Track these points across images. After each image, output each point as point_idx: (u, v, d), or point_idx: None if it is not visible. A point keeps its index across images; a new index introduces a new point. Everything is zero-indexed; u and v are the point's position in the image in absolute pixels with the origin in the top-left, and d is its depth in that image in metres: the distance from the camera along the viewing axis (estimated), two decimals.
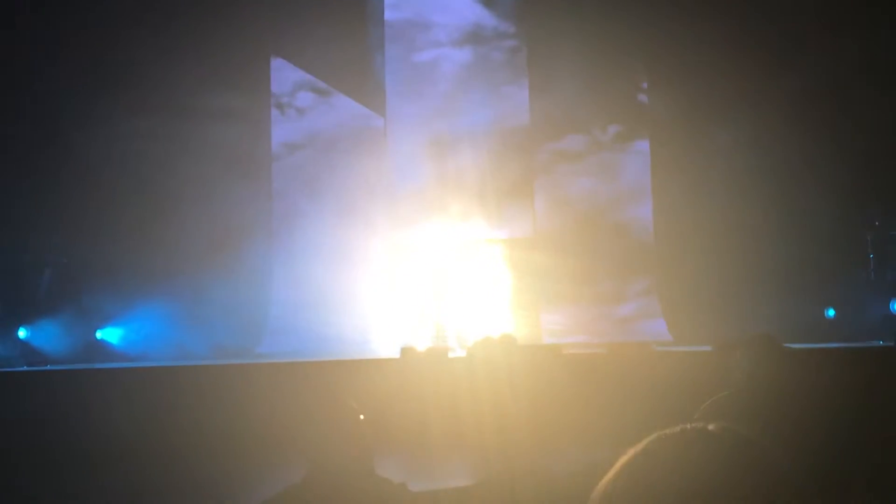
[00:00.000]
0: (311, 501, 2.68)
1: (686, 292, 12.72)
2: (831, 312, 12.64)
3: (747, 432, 1.05)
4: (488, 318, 12.27)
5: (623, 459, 1.06)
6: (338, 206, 13.14)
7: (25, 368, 10.07)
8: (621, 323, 13.31)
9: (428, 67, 13.86)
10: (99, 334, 12.39)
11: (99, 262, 11.99)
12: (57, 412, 8.30)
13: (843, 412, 3.31)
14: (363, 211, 13.25)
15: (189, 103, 11.92)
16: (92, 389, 8.73)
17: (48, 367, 10.39)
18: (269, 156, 13.71)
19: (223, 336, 12.01)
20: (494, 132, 13.59)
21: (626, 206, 13.89)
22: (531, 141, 13.89)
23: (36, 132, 11.87)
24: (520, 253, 12.95)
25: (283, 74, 13.84)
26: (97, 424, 8.00)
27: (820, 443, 2.84)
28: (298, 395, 7.61)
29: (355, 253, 12.91)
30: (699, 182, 12.86)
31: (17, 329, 11.64)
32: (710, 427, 1.06)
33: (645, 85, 14.01)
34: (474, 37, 13.88)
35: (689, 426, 1.07)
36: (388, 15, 13.89)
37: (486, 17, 13.92)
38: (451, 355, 9.46)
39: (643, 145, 13.97)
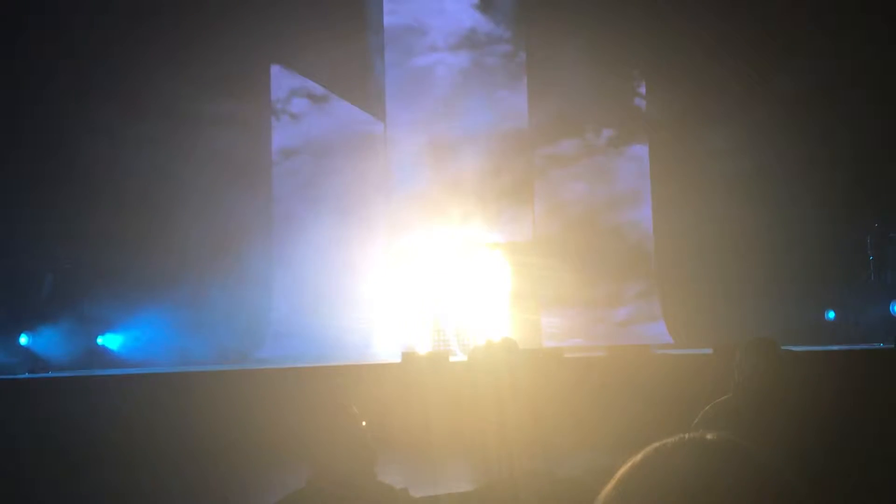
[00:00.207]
0: None
1: (686, 295, 12.74)
2: (831, 315, 12.64)
3: (746, 441, 1.05)
4: (489, 321, 12.27)
5: (621, 470, 1.05)
6: (337, 210, 13.15)
7: (27, 375, 10.06)
8: (621, 326, 13.33)
9: (427, 72, 13.89)
10: (100, 340, 12.39)
11: (100, 268, 11.99)
12: (59, 419, 8.31)
13: (844, 414, 3.32)
14: (363, 215, 13.26)
15: (190, 110, 11.94)
16: (94, 396, 8.73)
17: (50, 374, 10.38)
18: (269, 161, 13.73)
19: (224, 341, 12.03)
20: (493, 136, 13.61)
21: (626, 209, 13.92)
22: (530, 145, 13.91)
23: (37, 139, 11.89)
24: (519, 256, 12.96)
25: (283, 81, 13.87)
26: (100, 431, 8.01)
27: (820, 445, 2.85)
28: (301, 401, 7.63)
29: (355, 257, 12.92)
30: (698, 185, 12.88)
31: (19, 336, 11.64)
32: (709, 437, 1.05)
33: (643, 89, 14.05)
34: (473, 42, 13.91)
35: (686, 436, 1.06)
36: (388, 21, 13.92)
37: (485, 23, 13.95)
38: (451, 359, 9.46)
39: (641, 149, 14.00)
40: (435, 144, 13.44)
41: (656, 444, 1.06)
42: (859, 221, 12.72)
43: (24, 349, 11.62)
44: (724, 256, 12.49)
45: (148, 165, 11.95)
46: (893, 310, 12.00)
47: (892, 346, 9.98)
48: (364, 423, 2.78)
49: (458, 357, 10.45)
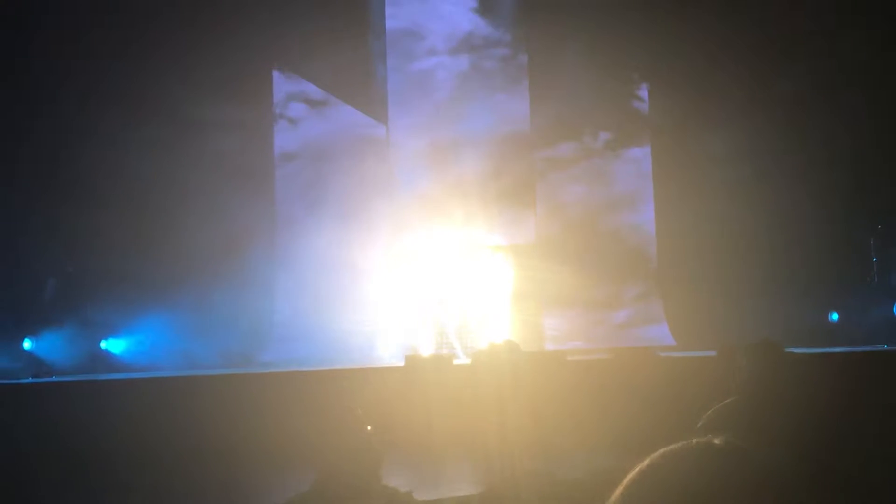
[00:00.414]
0: None
1: (688, 297, 12.73)
2: (835, 316, 12.63)
3: (751, 443, 1.05)
4: (491, 324, 12.28)
5: (629, 475, 1.05)
6: (340, 213, 13.15)
7: (31, 380, 10.08)
8: (624, 328, 13.33)
9: (429, 76, 13.91)
10: (104, 345, 12.40)
11: (103, 272, 12.00)
12: (62, 423, 8.31)
13: (848, 416, 3.32)
14: (365, 218, 13.27)
15: (194, 114, 11.95)
16: (97, 400, 8.74)
17: (53, 379, 10.40)
18: (272, 165, 13.75)
19: (228, 345, 12.03)
20: (495, 139, 13.62)
21: (627, 211, 13.93)
22: (531, 147, 13.92)
23: (41, 143, 11.91)
24: (521, 259, 12.96)
25: (286, 85, 13.89)
26: (103, 435, 8.01)
27: (824, 447, 2.85)
28: (305, 404, 7.64)
29: (358, 260, 12.92)
30: (701, 187, 12.87)
31: (23, 340, 11.65)
32: (716, 441, 1.05)
33: (644, 92, 14.06)
34: (474, 45, 13.93)
35: (694, 441, 1.06)
36: (389, 25, 13.95)
37: (486, 26, 13.97)
38: (455, 362, 9.46)
39: (643, 151, 14.01)
40: (437, 147, 13.46)
41: (663, 450, 1.06)
42: (863, 223, 12.71)
43: (28, 354, 11.64)
44: (727, 258, 12.49)
45: (151, 170, 11.96)
46: None
47: None
48: (369, 427, 2.79)
49: (462, 360, 10.46)
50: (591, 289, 13.16)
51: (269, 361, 12.32)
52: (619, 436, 6.14)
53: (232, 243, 12.44)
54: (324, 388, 8.60)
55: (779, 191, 12.34)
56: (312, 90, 13.86)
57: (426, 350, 11.75)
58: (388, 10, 13.96)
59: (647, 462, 1.05)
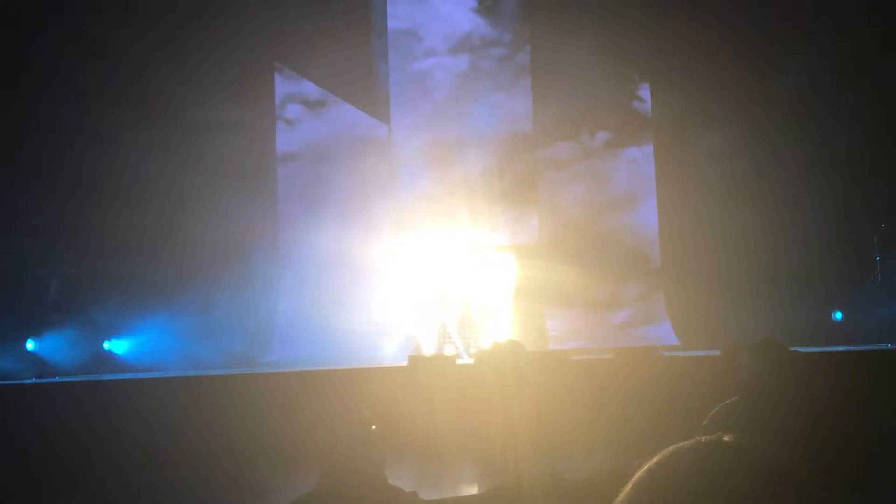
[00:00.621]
0: None
1: (691, 297, 12.72)
2: (838, 315, 12.62)
3: (764, 442, 1.04)
4: (494, 324, 12.28)
5: (638, 474, 1.04)
6: (342, 213, 13.16)
7: (34, 381, 10.08)
8: (627, 327, 13.33)
9: (431, 75, 13.92)
10: (107, 345, 12.42)
11: (106, 272, 12.02)
12: (66, 424, 8.32)
13: (851, 416, 3.32)
14: (368, 218, 13.27)
15: (196, 115, 11.97)
16: (101, 400, 8.74)
17: (57, 379, 10.40)
18: (273, 165, 13.76)
19: (230, 345, 12.03)
20: (497, 139, 13.63)
21: (630, 211, 13.93)
22: (534, 147, 13.93)
23: (43, 145, 11.92)
24: (524, 258, 12.96)
25: (287, 85, 13.90)
26: (107, 435, 8.02)
27: (828, 446, 2.85)
28: (309, 404, 7.64)
29: (361, 260, 12.92)
30: (704, 186, 12.88)
31: (26, 341, 11.67)
32: (727, 439, 1.05)
33: (647, 92, 14.06)
34: (475, 45, 13.94)
35: (704, 438, 1.05)
36: (391, 25, 13.95)
37: (487, 26, 13.97)
38: (459, 362, 9.46)
39: (645, 150, 14.01)
40: (438, 147, 13.46)
41: (673, 447, 1.05)
42: (866, 222, 12.70)
43: (31, 354, 11.65)
44: (730, 257, 12.48)
45: (153, 170, 11.97)
46: None
47: None
48: (374, 427, 2.79)
49: (465, 359, 10.46)
50: (594, 288, 13.17)
51: (272, 362, 12.34)
52: (623, 435, 6.14)
53: (234, 243, 12.45)
54: (327, 388, 8.61)
55: (781, 189, 12.34)
56: (314, 90, 13.87)
57: (429, 350, 11.74)
58: (390, 10, 13.97)
59: (656, 460, 1.05)
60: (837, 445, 2.91)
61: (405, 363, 9.29)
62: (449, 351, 11.69)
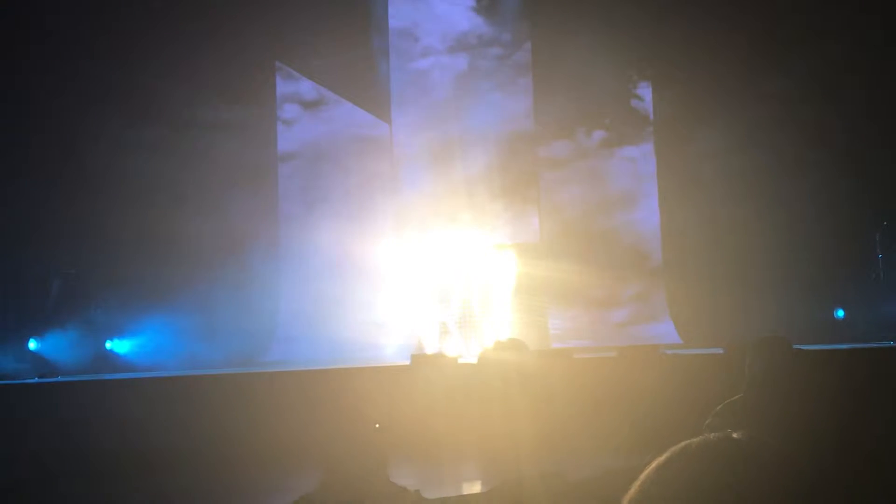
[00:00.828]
0: None
1: (694, 295, 12.72)
2: (841, 313, 12.61)
3: (771, 439, 1.04)
4: (497, 322, 12.27)
5: (647, 471, 1.04)
6: (343, 213, 13.17)
7: (36, 380, 10.09)
8: (629, 326, 13.32)
9: (431, 75, 13.91)
10: (109, 345, 12.43)
11: (108, 273, 12.04)
12: (68, 423, 8.33)
13: (854, 413, 3.31)
14: (369, 217, 13.28)
15: (197, 115, 11.98)
16: (103, 400, 8.75)
17: (59, 379, 10.41)
18: (274, 165, 13.77)
19: (232, 345, 12.04)
20: (498, 137, 13.62)
21: (632, 209, 13.92)
22: (536, 145, 13.92)
23: (46, 146, 11.93)
24: (526, 257, 12.95)
25: (288, 85, 13.90)
26: (109, 434, 8.03)
27: (831, 443, 2.84)
28: (312, 404, 7.64)
29: (363, 259, 12.92)
30: (705, 184, 12.86)
31: (28, 341, 11.68)
32: (735, 435, 1.04)
33: (648, 90, 14.04)
34: (476, 44, 13.92)
35: (712, 435, 1.05)
36: (392, 24, 13.95)
37: (488, 25, 13.96)
38: (461, 361, 9.45)
39: (647, 149, 14.00)
40: (440, 146, 13.46)
41: (681, 444, 1.05)
42: (868, 219, 12.69)
43: (33, 354, 11.66)
44: (733, 255, 12.48)
45: (155, 171, 11.98)
46: None
47: None
48: (377, 426, 2.79)
49: (467, 358, 10.45)
50: (597, 286, 13.16)
51: (274, 361, 12.34)
52: (626, 435, 6.13)
53: (235, 243, 12.46)
54: (330, 388, 8.60)
55: (784, 187, 12.32)
56: (315, 89, 13.87)
57: (432, 349, 11.74)
58: (391, 10, 13.96)
59: (665, 457, 1.04)
60: (842, 442, 2.90)
61: (407, 362, 9.29)
62: (451, 350, 11.68)
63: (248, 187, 12.74)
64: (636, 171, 14.02)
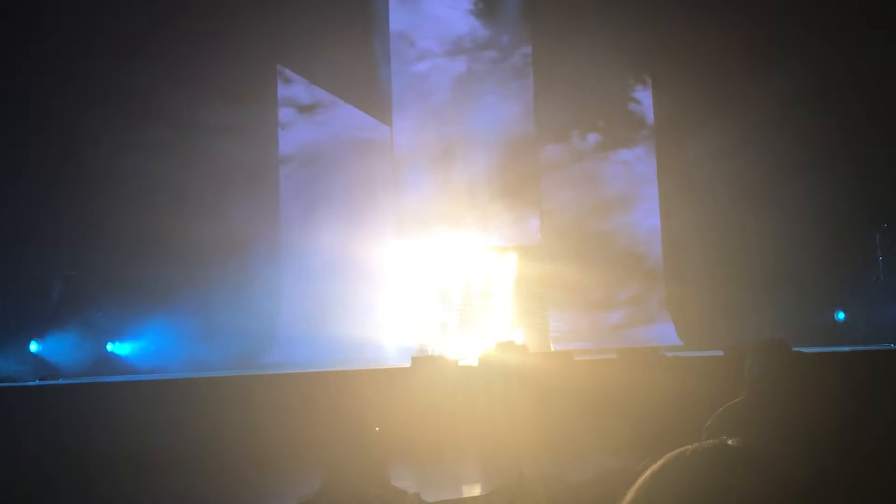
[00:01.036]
0: None
1: (694, 297, 12.71)
2: (841, 315, 12.60)
3: (760, 442, 1.04)
4: (497, 325, 12.27)
5: (642, 478, 1.04)
6: (344, 215, 13.17)
7: (37, 382, 10.09)
8: (630, 328, 13.31)
9: (432, 78, 13.92)
10: (110, 347, 12.42)
11: (109, 275, 12.03)
12: (68, 425, 8.33)
13: (855, 416, 3.31)
14: (370, 220, 13.28)
15: (198, 117, 11.98)
16: (104, 402, 8.75)
17: (60, 381, 10.41)
18: (275, 167, 13.77)
19: (233, 347, 12.03)
20: (499, 139, 13.63)
21: (632, 211, 13.92)
22: (537, 147, 13.93)
23: (47, 147, 11.93)
24: (527, 259, 12.95)
25: (289, 87, 13.90)
26: (110, 437, 8.02)
27: (832, 446, 2.84)
28: (312, 406, 7.64)
29: (364, 262, 12.92)
30: (706, 187, 12.87)
31: (29, 343, 11.68)
32: (730, 442, 1.04)
33: (649, 92, 14.05)
34: (477, 47, 13.93)
35: (707, 443, 1.05)
36: (393, 27, 13.95)
37: (489, 28, 13.97)
38: (461, 363, 9.45)
39: (648, 150, 14.00)
40: (440, 149, 13.47)
41: (676, 451, 1.05)
42: (868, 221, 12.68)
43: (34, 356, 11.66)
44: (733, 258, 12.48)
45: (156, 173, 11.98)
46: None
47: None
48: (377, 429, 2.79)
49: (467, 361, 10.45)
50: (597, 289, 13.17)
51: (274, 363, 12.33)
52: (626, 435, 6.13)
53: (236, 245, 12.46)
54: (330, 390, 8.60)
55: (783, 189, 12.32)
56: (315, 92, 13.87)
57: (432, 351, 11.73)
58: (392, 13, 13.97)
59: (659, 464, 1.04)
60: (842, 445, 2.90)
61: (408, 364, 9.28)
62: (451, 352, 11.68)
63: (248, 189, 12.74)
64: (636, 173, 14.03)
